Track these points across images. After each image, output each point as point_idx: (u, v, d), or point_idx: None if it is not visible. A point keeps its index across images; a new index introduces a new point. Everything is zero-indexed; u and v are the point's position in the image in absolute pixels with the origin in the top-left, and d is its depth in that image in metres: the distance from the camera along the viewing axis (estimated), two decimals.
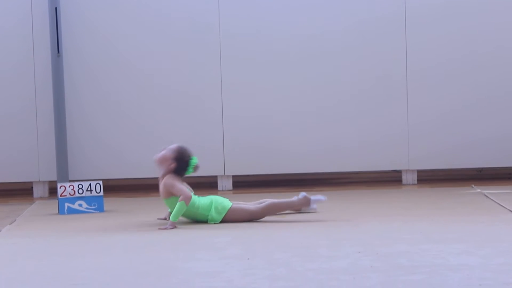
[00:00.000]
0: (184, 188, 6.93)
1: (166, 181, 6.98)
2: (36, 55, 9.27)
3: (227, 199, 7.08)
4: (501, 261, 5.15)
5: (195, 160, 7.06)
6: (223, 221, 6.99)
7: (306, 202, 7.32)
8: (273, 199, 7.20)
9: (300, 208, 7.35)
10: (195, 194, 7.03)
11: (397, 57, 9.37)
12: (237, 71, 9.37)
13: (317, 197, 7.36)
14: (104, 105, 9.35)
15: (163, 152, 7.07)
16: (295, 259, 5.38)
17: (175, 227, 6.81)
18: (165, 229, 6.76)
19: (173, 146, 7.10)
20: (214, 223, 6.97)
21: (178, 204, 6.85)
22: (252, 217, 7.05)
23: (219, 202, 7.02)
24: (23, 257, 5.78)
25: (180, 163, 7.03)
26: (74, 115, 9.30)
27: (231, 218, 7.01)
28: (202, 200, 7.02)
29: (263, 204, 7.11)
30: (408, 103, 9.41)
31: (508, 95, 9.42)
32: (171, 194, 6.95)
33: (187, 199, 6.86)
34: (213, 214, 6.97)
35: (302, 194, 7.32)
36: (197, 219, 7.02)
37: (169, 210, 7.02)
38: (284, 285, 4.70)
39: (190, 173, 7.07)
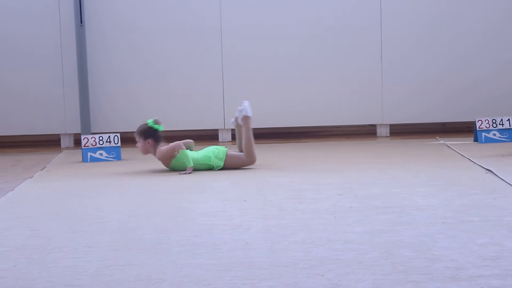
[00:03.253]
0: (169, 146, 6.93)
1: (159, 155, 6.98)
2: (62, 24, 9.22)
3: (223, 147, 7.08)
4: (460, 202, 5.17)
5: (150, 121, 7.04)
6: (224, 167, 6.99)
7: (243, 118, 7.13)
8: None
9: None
10: (196, 145, 7.10)
11: (372, 18, 9.35)
12: (237, 39, 9.35)
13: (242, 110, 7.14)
14: (121, 70, 9.32)
15: (138, 145, 7.06)
16: (285, 201, 5.40)
17: (192, 171, 6.84)
18: (185, 173, 6.79)
19: (135, 134, 7.08)
20: (218, 169, 6.97)
21: (180, 155, 6.87)
22: (245, 162, 7.01)
23: (216, 150, 7.01)
24: (52, 199, 5.79)
25: (150, 134, 7.01)
26: (96, 78, 9.27)
27: (230, 162, 6.99)
28: (200, 153, 7.00)
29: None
30: (383, 69, 9.40)
31: (467, 58, 9.40)
32: (170, 159, 6.95)
33: (179, 147, 6.91)
34: (215, 160, 6.96)
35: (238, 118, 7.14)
36: (201, 169, 7.01)
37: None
38: (275, 223, 4.72)
39: (161, 129, 7.05)
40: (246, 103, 7.13)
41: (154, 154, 7.04)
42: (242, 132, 7.10)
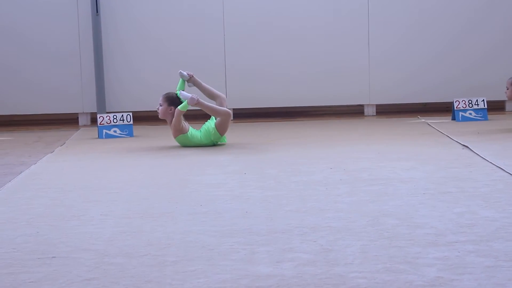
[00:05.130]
0: (183, 128, 6.85)
1: (173, 123, 6.83)
2: (79, 14, 9.20)
3: (211, 122, 6.96)
4: (440, 175, 5.16)
5: (179, 93, 6.91)
6: (221, 134, 6.89)
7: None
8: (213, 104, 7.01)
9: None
10: (197, 123, 7.02)
11: (360, 8, 9.31)
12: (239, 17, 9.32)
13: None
14: (132, 55, 9.30)
15: (159, 108, 6.87)
16: (281, 174, 5.39)
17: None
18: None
19: (161, 97, 6.91)
20: (221, 142, 6.93)
21: (180, 109, 6.74)
22: (224, 119, 6.83)
23: (208, 130, 6.89)
24: (71, 171, 5.79)
25: (174, 103, 6.83)
26: (110, 62, 9.25)
27: (221, 128, 6.85)
28: (201, 133, 6.91)
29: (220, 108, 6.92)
30: (370, 55, 9.37)
31: (448, 45, 9.38)
32: (178, 133, 6.85)
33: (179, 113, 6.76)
34: (214, 138, 6.89)
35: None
36: (204, 146, 6.95)
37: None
38: (272, 194, 4.72)
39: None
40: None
41: (170, 121, 6.90)
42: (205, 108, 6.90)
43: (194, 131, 6.94)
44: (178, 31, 9.30)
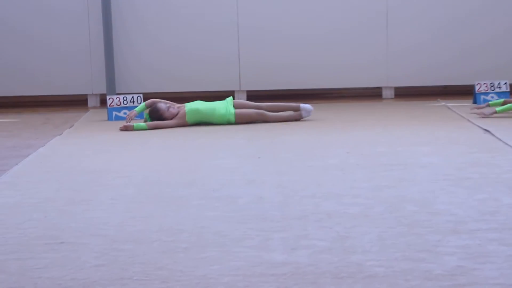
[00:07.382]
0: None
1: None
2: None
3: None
4: (461, 160, 5.14)
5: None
6: (237, 121, 6.99)
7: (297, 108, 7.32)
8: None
9: (298, 117, 7.31)
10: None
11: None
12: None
13: (305, 106, 7.32)
14: (143, 33, 9.27)
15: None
16: (296, 158, 5.38)
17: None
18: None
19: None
20: (230, 122, 6.98)
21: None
22: (258, 113, 7.09)
23: (228, 102, 7.17)
24: (80, 154, 5.79)
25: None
26: (120, 40, 9.24)
27: (240, 115, 7.02)
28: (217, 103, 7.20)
29: (267, 103, 7.26)
30: (388, 36, 9.32)
31: (468, 25, 9.31)
32: (181, 120, 7.20)
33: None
34: (227, 105, 7.04)
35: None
36: (216, 119, 7.04)
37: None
38: (287, 178, 4.71)
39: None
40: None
41: (173, 116, 7.22)
42: (289, 114, 7.28)
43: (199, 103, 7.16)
44: (190, 17, 9.25)
